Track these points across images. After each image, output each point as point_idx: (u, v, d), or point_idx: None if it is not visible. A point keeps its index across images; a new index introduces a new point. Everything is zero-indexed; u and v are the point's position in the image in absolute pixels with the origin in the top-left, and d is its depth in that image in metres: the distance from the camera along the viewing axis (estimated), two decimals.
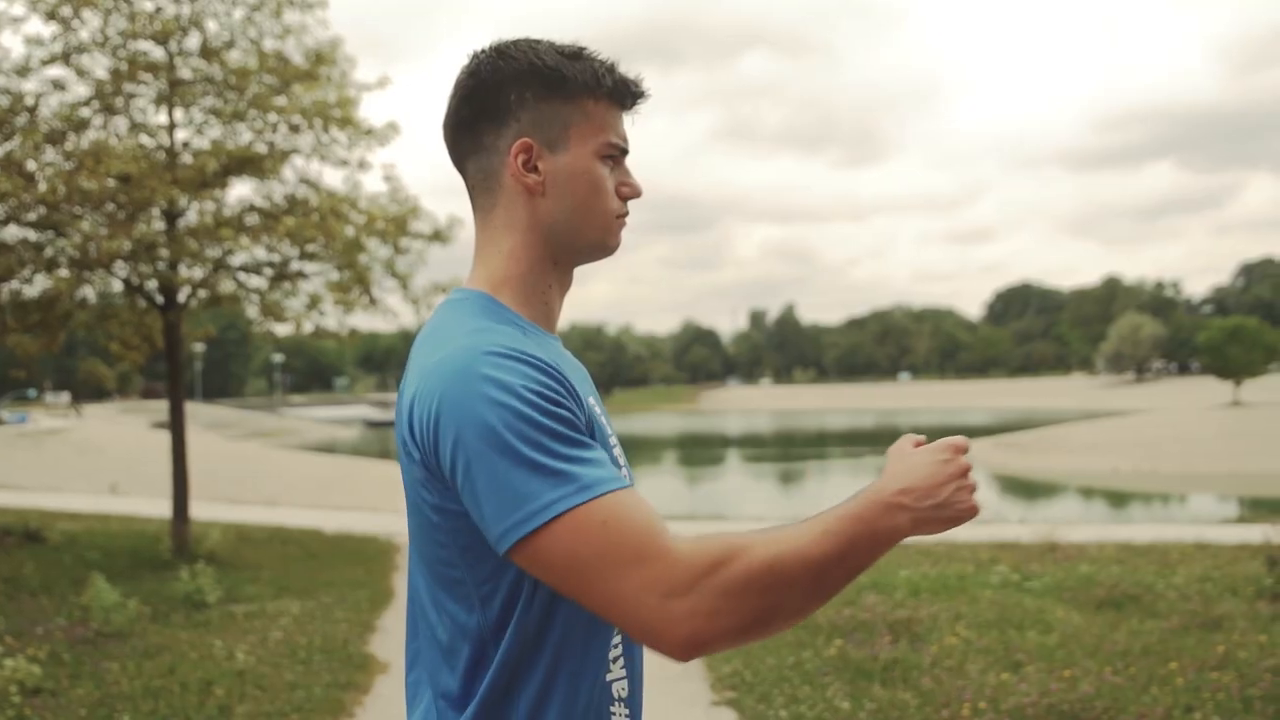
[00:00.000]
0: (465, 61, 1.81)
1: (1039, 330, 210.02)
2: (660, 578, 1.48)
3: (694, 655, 1.51)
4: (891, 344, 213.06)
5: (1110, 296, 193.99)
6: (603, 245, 1.82)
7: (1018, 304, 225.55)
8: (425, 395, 1.58)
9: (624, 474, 1.64)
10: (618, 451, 1.76)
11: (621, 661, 1.76)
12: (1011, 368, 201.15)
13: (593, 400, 1.77)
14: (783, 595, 1.52)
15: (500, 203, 1.79)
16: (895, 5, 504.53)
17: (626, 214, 1.84)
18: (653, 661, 1.82)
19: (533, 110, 1.75)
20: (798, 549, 1.52)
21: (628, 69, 1.82)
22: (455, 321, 1.69)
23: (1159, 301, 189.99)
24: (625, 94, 1.81)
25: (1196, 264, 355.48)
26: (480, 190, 1.81)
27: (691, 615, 1.47)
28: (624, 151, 1.82)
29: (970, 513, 1.67)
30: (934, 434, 1.79)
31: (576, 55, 1.77)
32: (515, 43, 1.79)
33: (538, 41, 1.79)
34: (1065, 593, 10.73)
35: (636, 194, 1.83)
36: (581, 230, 1.79)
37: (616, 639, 1.74)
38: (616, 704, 1.74)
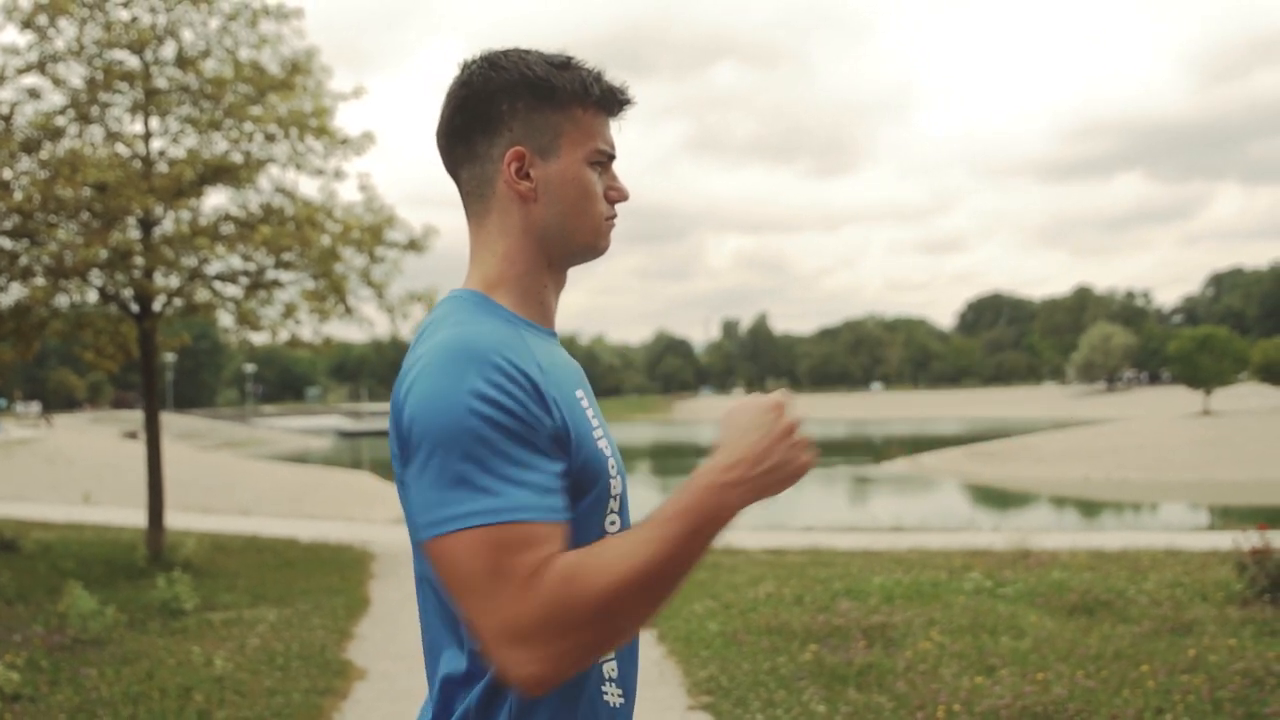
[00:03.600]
0: (456, 72, 1.87)
1: (1010, 340, 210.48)
2: (509, 620, 1.53)
3: (541, 693, 1.58)
4: (864, 354, 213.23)
5: (1081, 306, 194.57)
6: (593, 247, 1.89)
7: (989, 314, 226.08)
8: (406, 381, 1.66)
9: (559, 502, 1.62)
10: (603, 444, 1.79)
11: None
12: (983, 377, 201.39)
13: (580, 394, 1.82)
14: (621, 621, 1.57)
15: (494, 208, 1.85)
16: (866, 15, 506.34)
17: (615, 216, 1.92)
18: None
19: (524, 119, 1.81)
20: (631, 570, 1.55)
21: (613, 77, 1.88)
22: (448, 317, 1.75)
23: (1130, 311, 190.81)
24: (612, 102, 1.88)
25: (1166, 274, 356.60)
26: (474, 197, 1.87)
27: (532, 662, 1.52)
28: (611, 157, 1.89)
29: (803, 470, 1.70)
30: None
31: (565, 65, 1.84)
32: (505, 53, 1.85)
33: (527, 52, 1.85)
34: (1038, 598, 10.81)
35: (624, 197, 1.91)
36: (573, 234, 1.86)
37: None
38: (608, 683, 1.80)
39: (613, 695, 1.81)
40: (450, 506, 1.55)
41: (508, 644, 1.52)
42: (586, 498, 1.72)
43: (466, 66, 1.86)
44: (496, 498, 1.55)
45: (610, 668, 1.81)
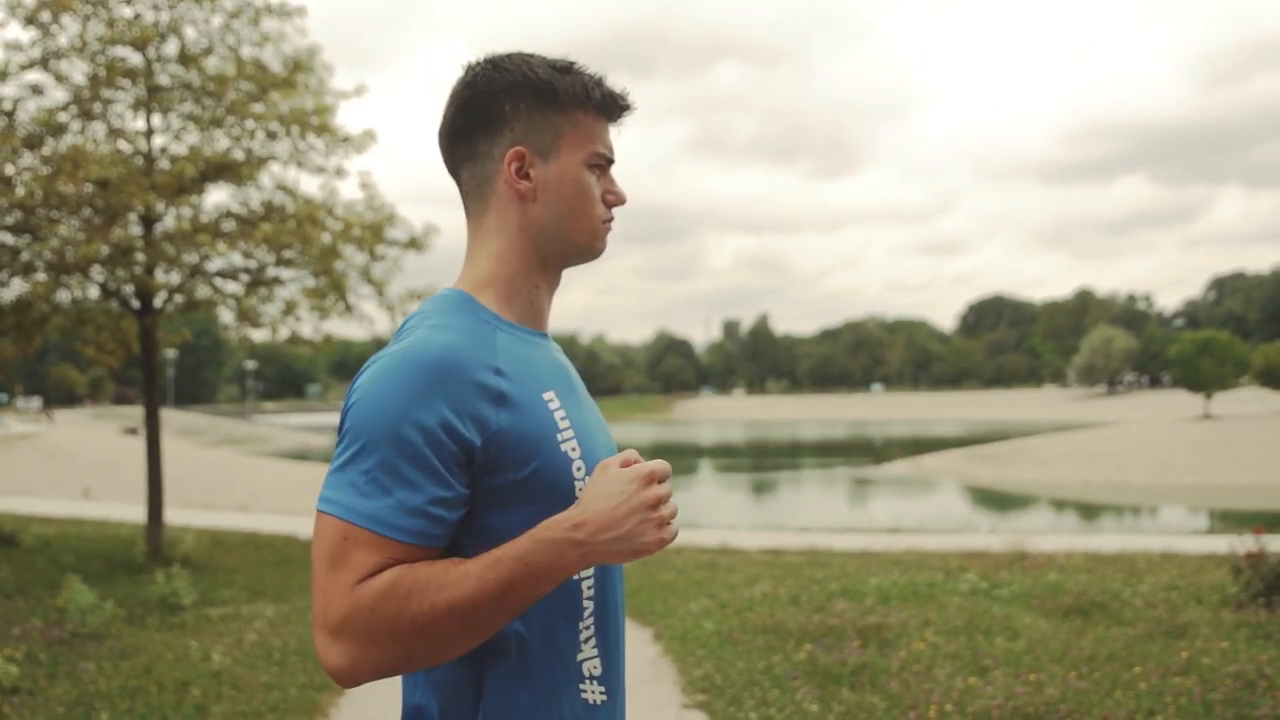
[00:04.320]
0: (460, 73, 1.91)
1: (1011, 342, 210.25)
2: (330, 609, 1.61)
3: (348, 686, 1.63)
4: (864, 355, 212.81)
5: (1082, 309, 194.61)
6: (589, 249, 1.93)
7: (990, 316, 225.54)
8: (368, 372, 1.72)
9: (420, 525, 1.65)
10: (570, 447, 1.79)
11: (594, 641, 1.83)
12: (984, 379, 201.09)
13: (549, 395, 1.81)
14: (428, 646, 1.62)
15: (492, 207, 1.88)
16: (866, 16, 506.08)
17: (612, 220, 1.95)
18: (627, 664, 1.91)
19: (526, 120, 1.85)
20: (445, 603, 1.60)
21: (614, 83, 1.92)
22: (429, 316, 1.80)
23: (1131, 314, 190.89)
24: (613, 107, 1.91)
25: (1167, 277, 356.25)
26: (474, 195, 1.91)
27: (337, 654, 1.60)
28: (610, 161, 1.93)
29: (652, 547, 1.68)
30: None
31: (567, 69, 1.88)
32: (509, 56, 1.89)
33: (530, 55, 1.89)
34: (1033, 600, 10.84)
35: (621, 201, 1.94)
36: (570, 234, 1.89)
37: (589, 620, 1.82)
38: (588, 681, 1.81)
39: (593, 693, 1.82)
40: (334, 490, 1.65)
41: (322, 630, 1.61)
42: (540, 503, 1.72)
43: (470, 68, 1.90)
44: (365, 501, 1.62)
45: (592, 665, 1.82)
